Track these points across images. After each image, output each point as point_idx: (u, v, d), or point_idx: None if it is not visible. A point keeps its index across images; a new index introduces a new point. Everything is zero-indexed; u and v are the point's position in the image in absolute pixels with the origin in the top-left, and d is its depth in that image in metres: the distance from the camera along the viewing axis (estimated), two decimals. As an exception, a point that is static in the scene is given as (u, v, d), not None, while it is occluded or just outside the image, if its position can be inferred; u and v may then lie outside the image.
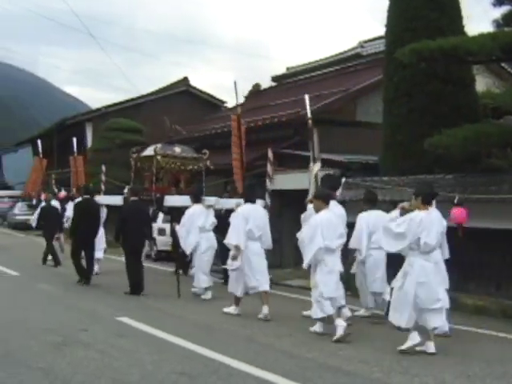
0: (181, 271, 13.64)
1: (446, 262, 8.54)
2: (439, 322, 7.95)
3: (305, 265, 8.92)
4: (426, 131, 12.07)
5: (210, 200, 13.02)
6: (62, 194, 21.37)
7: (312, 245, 8.67)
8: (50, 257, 17.28)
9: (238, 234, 10.19)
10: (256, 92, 29.04)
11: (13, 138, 58.93)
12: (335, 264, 8.83)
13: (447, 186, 11.58)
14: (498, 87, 17.49)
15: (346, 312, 9.14)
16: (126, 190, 14.51)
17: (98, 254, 14.97)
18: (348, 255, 10.72)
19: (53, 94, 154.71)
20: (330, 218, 8.93)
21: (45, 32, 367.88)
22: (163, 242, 18.50)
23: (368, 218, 10.26)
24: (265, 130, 19.38)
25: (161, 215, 18.30)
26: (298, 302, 11.48)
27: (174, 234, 13.41)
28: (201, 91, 33.56)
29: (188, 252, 12.56)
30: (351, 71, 22.96)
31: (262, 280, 10.26)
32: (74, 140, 21.73)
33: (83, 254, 13.87)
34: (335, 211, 9.34)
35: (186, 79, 33.60)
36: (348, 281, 11.54)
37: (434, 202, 10.59)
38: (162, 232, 18.61)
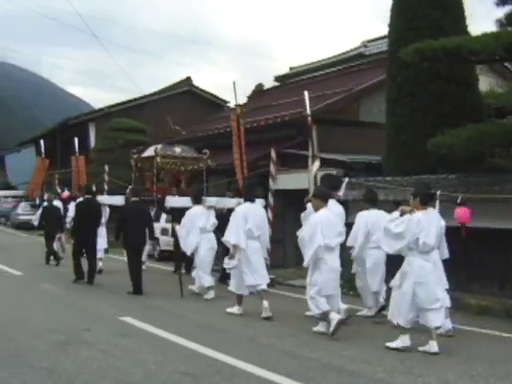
0: (184, 271, 13.66)
1: (446, 261, 8.60)
2: (440, 320, 8.01)
3: (305, 263, 8.94)
4: (430, 131, 12.06)
5: (211, 201, 13.04)
6: (66, 194, 21.38)
7: (312, 243, 8.71)
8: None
9: (237, 233, 10.25)
10: (259, 92, 29.06)
11: (16, 138, 59.00)
12: (334, 262, 8.89)
13: (450, 185, 11.56)
14: (501, 87, 17.48)
15: (341, 307, 9.13)
16: (128, 191, 14.55)
17: (98, 253, 14.98)
18: (343, 253, 10.73)
19: (56, 94, 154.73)
20: (329, 216, 8.99)
21: (48, 32, 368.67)
22: (166, 242, 18.52)
23: (367, 217, 10.32)
24: (268, 130, 19.38)
25: (164, 215, 18.32)
26: (301, 302, 11.43)
27: (175, 234, 13.43)
28: (204, 91, 33.59)
29: (188, 253, 12.57)
30: (354, 71, 22.95)
31: (260, 279, 10.31)
32: (76, 140, 21.75)
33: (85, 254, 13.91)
34: (334, 210, 9.41)
35: (188, 79, 33.63)
36: (350, 280, 11.58)
37: (437, 202, 10.66)
38: (164, 232, 18.62)
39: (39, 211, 19.34)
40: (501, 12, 12.47)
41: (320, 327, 8.89)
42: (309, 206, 9.88)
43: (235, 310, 10.32)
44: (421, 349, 7.79)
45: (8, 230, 34.49)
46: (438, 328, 7.99)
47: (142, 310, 10.64)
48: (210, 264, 12.43)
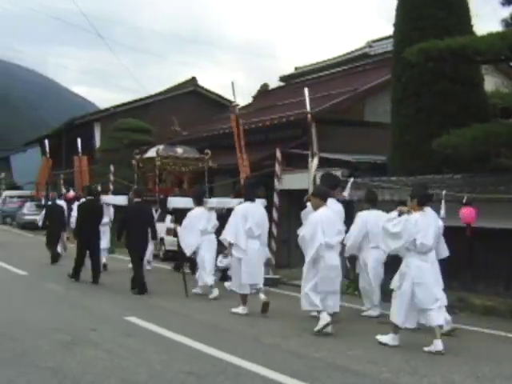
0: (188, 271, 13.68)
1: (451, 261, 8.63)
2: (442, 319, 8.05)
3: (307, 261, 8.94)
4: (435, 131, 12.05)
5: (212, 202, 13.07)
6: (71, 194, 21.44)
7: (314, 241, 8.76)
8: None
9: (235, 232, 10.33)
10: (264, 92, 29.07)
11: (21, 138, 59.12)
12: (333, 260, 8.94)
13: (456, 185, 11.55)
14: (506, 87, 17.43)
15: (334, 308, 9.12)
16: (131, 191, 14.58)
17: (102, 252, 15.00)
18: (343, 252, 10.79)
19: (61, 94, 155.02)
20: (329, 215, 9.07)
21: (53, 32, 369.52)
22: (171, 242, 18.51)
23: (367, 218, 10.46)
24: (273, 130, 19.40)
25: (169, 215, 18.33)
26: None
27: (177, 234, 13.47)
28: (209, 91, 33.57)
29: (188, 254, 12.60)
30: (359, 71, 22.93)
31: (258, 278, 10.46)
32: (79, 140, 21.80)
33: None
34: (333, 208, 9.46)
35: (193, 79, 33.63)
36: (355, 281, 11.59)
37: (442, 202, 10.69)
38: (170, 232, 18.62)
39: (44, 211, 19.39)
40: (506, 12, 12.50)
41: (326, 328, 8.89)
42: (309, 204, 9.92)
43: (240, 309, 10.32)
44: (426, 349, 7.79)
45: (13, 230, 34.57)
46: (440, 326, 8.01)
47: (147, 309, 10.66)
48: (211, 264, 12.45)
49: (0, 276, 14.88)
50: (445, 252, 8.65)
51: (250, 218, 10.40)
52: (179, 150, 15.03)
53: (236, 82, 13.88)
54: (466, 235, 10.42)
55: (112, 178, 20.22)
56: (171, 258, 18.41)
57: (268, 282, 13.53)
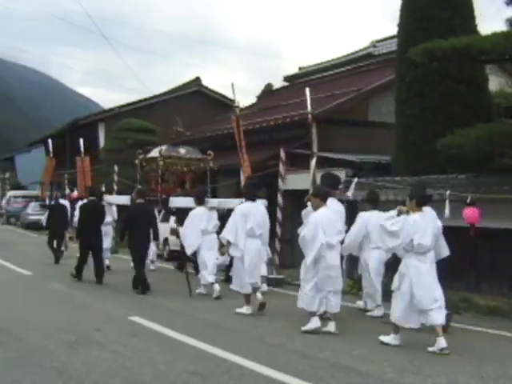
0: (193, 271, 13.69)
1: (455, 261, 8.63)
2: (442, 318, 8.06)
3: (309, 261, 8.95)
4: (439, 131, 12.03)
5: (213, 202, 13.11)
6: (75, 194, 21.47)
7: (315, 242, 8.79)
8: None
9: (235, 232, 10.37)
10: (268, 92, 29.09)
11: (25, 138, 59.29)
12: (333, 259, 8.97)
13: (460, 185, 11.54)
14: (511, 86, 17.42)
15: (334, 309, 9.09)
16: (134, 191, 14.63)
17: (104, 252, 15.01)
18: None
19: (65, 95, 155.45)
20: (329, 215, 9.08)
21: (58, 33, 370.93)
22: (175, 242, 18.52)
23: (368, 218, 10.52)
24: (277, 130, 19.40)
25: (172, 216, 18.37)
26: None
27: (179, 234, 13.52)
28: (213, 91, 33.56)
29: (189, 253, 12.63)
30: (363, 71, 22.92)
31: (257, 277, 10.55)
32: (81, 141, 21.84)
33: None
34: (334, 208, 9.47)
35: (198, 79, 33.64)
36: (359, 281, 11.60)
37: (447, 202, 10.70)
38: (173, 232, 18.64)
39: (47, 211, 19.46)
40: (510, 11, 12.45)
41: (330, 327, 8.87)
42: (309, 204, 9.94)
43: (244, 309, 10.33)
44: (430, 349, 7.80)
45: (18, 230, 34.64)
46: (442, 325, 8.02)
47: (151, 309, 10.67)
48: (213, 263, 12.46)
49: (5, 276, 14.91)
50: (446, 251, 8.64)
51: (251, 217, 10.45)
52: (182, 151, 15.13)
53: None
54: (470, 235, 10.42)
55: (116, 178, 20.25)
56: (175, 258, 18.42)
57: (272, 282, 13.55)
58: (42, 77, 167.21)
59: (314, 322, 8.84)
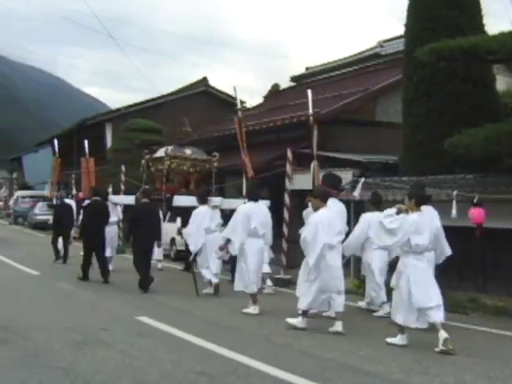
0: (198, 270, 13.70)
1: (461, 262, 8.59)
2: (442, 316, 8.04)
3: (311, 263, 8.94)
4: (446, 131, 12.02)
5: (216, 200, 13.15)
6: (81, 194, 21.51)
7: (316, 242, 8.81)
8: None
9: (236, 231, 10.44)
10: (275, 92, 29.09)
11: (32, 138, 59.42)
12: (335, 260, 8.98)
13: (467, 185, 11.52)
14: (518, 86, 17.35)
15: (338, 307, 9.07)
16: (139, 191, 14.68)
17: (107, 252, 15.01)
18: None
19: (72, 95, 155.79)
20: (329, 215, 9.09)
21: (65, 33, 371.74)
22: (182, 242, 18.54)
23: (371, 219, 10.51)
24: (284, 130, 19.39)
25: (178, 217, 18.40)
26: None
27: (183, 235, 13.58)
28: (220, 91, 33.58)
29: (192, 251, 12.66)
30: (370, 71, 22.90)
31: (258, 277, 10.60)
32: (86, 142, 21.89)
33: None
34: (334, 208, 9.46)
35: (205, 79, 33.67)
36: (364, 281, 11.59)
37: (453, 202, 10.68)
38: (179, 232, 18.67)
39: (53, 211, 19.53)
40: (518, 11, 12.40)
41: (337, 327, 8.86)
42: (310, 204, 9.96)
43: (251, 309, 10.33)
44: (437, 350, 7.77)
45: (25, 230, 34.70)
46: (441, 322, 7.99)
47: (158, 309, 10.68)
48: (216, 262, 12.49)
49: (13, 276, 14.94)
50: (447, 251, 8.61)
51: (254, 217, 10.54)
52: (188, 151, 15.24)
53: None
54: (477, 236, 10.40)
55: (123, 178, 20.29)
56: (182, 257, 18.44)
57: (279, 283, 13.55)
58: (48, 77, 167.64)
59: (302, 322, 8.96)
